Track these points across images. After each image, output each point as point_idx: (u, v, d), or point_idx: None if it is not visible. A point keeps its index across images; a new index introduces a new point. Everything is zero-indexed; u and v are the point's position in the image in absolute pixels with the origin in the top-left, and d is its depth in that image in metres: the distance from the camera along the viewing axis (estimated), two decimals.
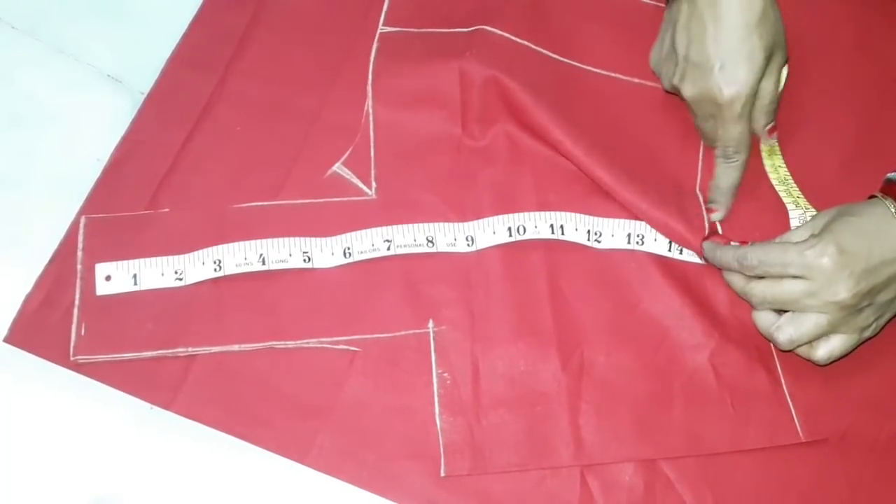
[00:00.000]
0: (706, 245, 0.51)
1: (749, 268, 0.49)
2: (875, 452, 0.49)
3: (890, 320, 0.50)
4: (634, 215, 0.52)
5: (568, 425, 0.48)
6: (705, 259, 0.52)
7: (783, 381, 0.50)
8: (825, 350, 0.48)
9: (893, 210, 0.47)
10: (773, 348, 0.51)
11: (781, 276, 0.48)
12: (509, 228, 0.52)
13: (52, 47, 0.55)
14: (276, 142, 0.54)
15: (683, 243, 0.52)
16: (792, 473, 0.48)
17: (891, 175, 0.49)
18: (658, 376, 0.50)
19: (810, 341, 0.48)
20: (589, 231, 0.52)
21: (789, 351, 0.49)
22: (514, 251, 0.52)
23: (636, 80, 0.58)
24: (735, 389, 0.50)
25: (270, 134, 0.54)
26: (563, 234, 0.52)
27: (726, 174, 0.54)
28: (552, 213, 0.52)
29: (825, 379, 0.50)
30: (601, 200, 0.53)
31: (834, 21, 0.61)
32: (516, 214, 0.52)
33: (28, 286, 0.48)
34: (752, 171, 0.55)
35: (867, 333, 0.49)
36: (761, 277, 0.49)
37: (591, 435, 0.48)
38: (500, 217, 0.52)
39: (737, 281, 0.50)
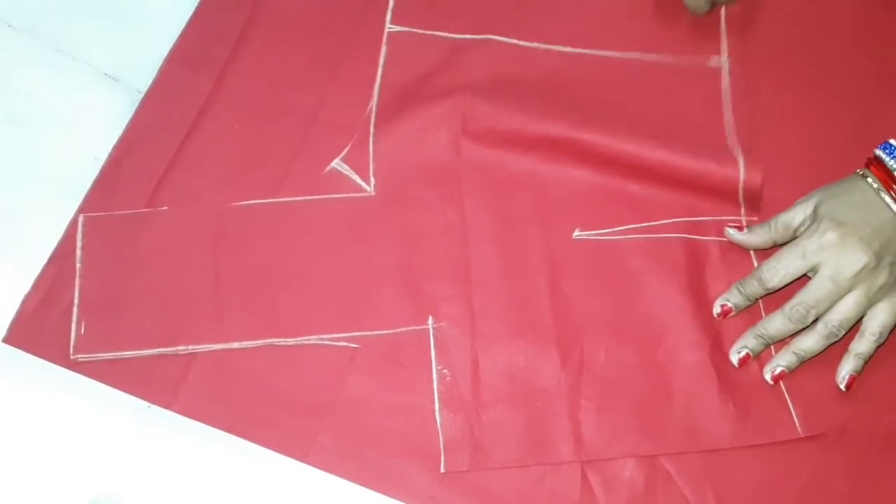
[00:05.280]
0: (751, 333, 0.50)
1: (804, 316, 0.48)
2: (874, 446, 0.49)
3: None
4: (666, 173, 0.53)
5: (568, 421, 0.48)
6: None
7: None
8: (875, 324, 0.49)
9: (875, 185, 0.49)
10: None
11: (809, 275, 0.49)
12: None
13: (50, 46, 0.55)
14: (275, 140, 0.54)
15: (720, 184, 0.52)
16: (791, 467, 0.48)
17: (878, 151, 0.50)
18: (658, 372, 0.50)
19: (858, 319, 0.49)
20: None
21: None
22: (514, 247, 0.52)
23: (651, 57, 0.58)
24: (734, 385, 0.50)
25: (268, 132, 0.54)
26: None
27: None
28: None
29: (823, 374, 0.50)
30: (595, 191, 0.54)
31: (834, 18, 0.61)
32: None
33: (27, 286, 0.48)
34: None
35: None
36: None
37: (591, 431, 0.48)
38: None
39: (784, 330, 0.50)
